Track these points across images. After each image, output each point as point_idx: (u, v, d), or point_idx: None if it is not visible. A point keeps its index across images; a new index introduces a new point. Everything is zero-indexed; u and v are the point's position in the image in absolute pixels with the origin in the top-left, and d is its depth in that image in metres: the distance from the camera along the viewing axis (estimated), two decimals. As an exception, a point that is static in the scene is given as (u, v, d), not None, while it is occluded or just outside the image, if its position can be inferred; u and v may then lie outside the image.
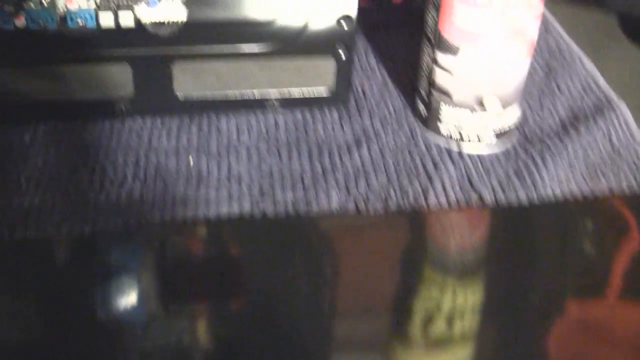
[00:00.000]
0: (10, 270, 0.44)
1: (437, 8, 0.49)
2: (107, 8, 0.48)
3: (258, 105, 0.55)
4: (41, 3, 0.48)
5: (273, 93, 0.54)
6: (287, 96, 0.54)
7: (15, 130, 0.53)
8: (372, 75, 0.60)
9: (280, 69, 0.53)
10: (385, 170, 0.51)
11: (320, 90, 0.54)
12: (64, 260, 0.45)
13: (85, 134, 0.53)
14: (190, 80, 0.53)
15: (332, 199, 0.48)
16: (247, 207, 0.48)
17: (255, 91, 0.54)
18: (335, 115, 0.55)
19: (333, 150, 0.52)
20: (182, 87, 0.53)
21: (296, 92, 0.54)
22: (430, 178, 0.50)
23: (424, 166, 0.51)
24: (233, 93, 0.54)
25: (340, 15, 0.51)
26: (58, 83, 0.52)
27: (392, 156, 0.52)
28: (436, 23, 0.50)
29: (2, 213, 0.46)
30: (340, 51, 0.53)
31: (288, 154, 0.52)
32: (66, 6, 0.48)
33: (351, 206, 0.48)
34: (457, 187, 0.49)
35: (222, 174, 0.50)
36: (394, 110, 0.56)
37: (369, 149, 0.52)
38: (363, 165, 0.51)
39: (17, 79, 0.51)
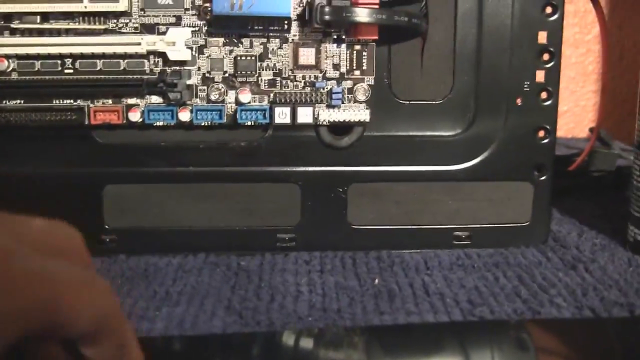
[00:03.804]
0: None
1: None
2: (284, 103, 0.47)
3: (444, 239, 0.49)
4: (208, 98, 0.46)
5: (461, 225, 0.49)
6: (477, 229, 0.49)
7: (161, 259, 0.48)
8: (562, 223, 0.55)
9: (468, 195, 0.49)
10: (617, 285, 0.44)
11: (516, 222, 0.49)
12: None
13: (242, 262, 0.47)
14: (366, 207, 0.49)
15: (562, 309, 0.41)
16: (457, 316, 0.41)
17: (442, 222, 0.49)
18: (534, 250, 0.49)
19: (545, 272, 0.45)
20: (357, 215, 0.48)
21: (488, 224, 0.49)
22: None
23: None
24: (416, 224, 0.49)
25: (535, 127, 0.49)
26: (210, 206, 0.48)
27: (618, 275, 0.45)
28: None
29: (152, 321, 0.40)
30: (538, 172, 0.49)
31: (493, 275, 0.45)
32: (237, 98, 0.46)
33: (586, 313, 0.41)
34: None
35: (418, 291, 0.43)
36: (601, 245, 0.50)
37: (586, 270, 0.45)
38: (585, 281, 0.44)
39: (166, 197, 0.48)
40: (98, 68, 0.45)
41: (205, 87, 0.46)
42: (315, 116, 0.47)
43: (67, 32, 0.45)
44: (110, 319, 0.27)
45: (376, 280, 0.44)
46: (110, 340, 0.27)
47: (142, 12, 0.45)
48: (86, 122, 0.46)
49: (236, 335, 0.38)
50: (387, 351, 0.39)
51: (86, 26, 0.45)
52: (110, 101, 0.46)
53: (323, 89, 0.47)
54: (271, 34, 0.46)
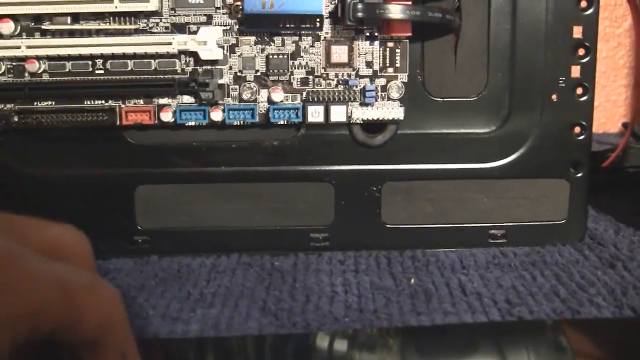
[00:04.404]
0: None
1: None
2: (317, 102, 0.47)
3: (479, 238, 0.49)
4: (240, 98, 0.46)
5: (497, 223, 0.49)
6: (513, 227, 0.49)
7: (193, 260, 0.48)
8: (598, 220, 0.54)
9: (503, 193, 0.48)
10: (661, 284, 0.44)
11: (552, 220, 0.49)
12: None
13: (275, 262, 0.47)
14: (401, 206, 0.48)
15: (602, 308, 0.41)
16: (496, 316, 0.40)
17: (477, 220, 0.49)
18: (570, 248, 0.49)
19: (583, 271, 0.45)
20: (391, 214, 0.48)
21: (524, 222, 0.49)
22: None
23: None
24: (451, 223, 0.49)
25: (571, 123, 0.48)
26: (242, 206, 0.48)
27: (662, 274, 0.45)
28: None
29: (186, 322, 0.40)
30: (574, 169, 0.49)
31: (530, 274, 0.45)
32: (270, 97, 0.46)
33: (627, 313, 0.41)
34: None
35: (455, 291, 0.43)
36: (639, 242, 0.49)
37: (625, 268, 0.45)
38: (625, 280, 0.44)
39: (199, 198, 0.48)
40: (129, 68, 0.45)
41: (237, 86, 0.46)
42: (349, 114, 0.46)
43: (98, 32, 0.45)
44: (115, 325, 0.27)
45: (412, 280, 0.44)
46: (113, 348, 0.27)
47: (173, 12, 0.45)
48: (118, 123, 0.46)
49: (270, 336, 0.39)
50: (422, 352, 0.38)
51: (117, 26, 0.45)
52: (141, 101, 0.46)
53: (356, 86, 0.46)
54: (303, 32, 0.46)
